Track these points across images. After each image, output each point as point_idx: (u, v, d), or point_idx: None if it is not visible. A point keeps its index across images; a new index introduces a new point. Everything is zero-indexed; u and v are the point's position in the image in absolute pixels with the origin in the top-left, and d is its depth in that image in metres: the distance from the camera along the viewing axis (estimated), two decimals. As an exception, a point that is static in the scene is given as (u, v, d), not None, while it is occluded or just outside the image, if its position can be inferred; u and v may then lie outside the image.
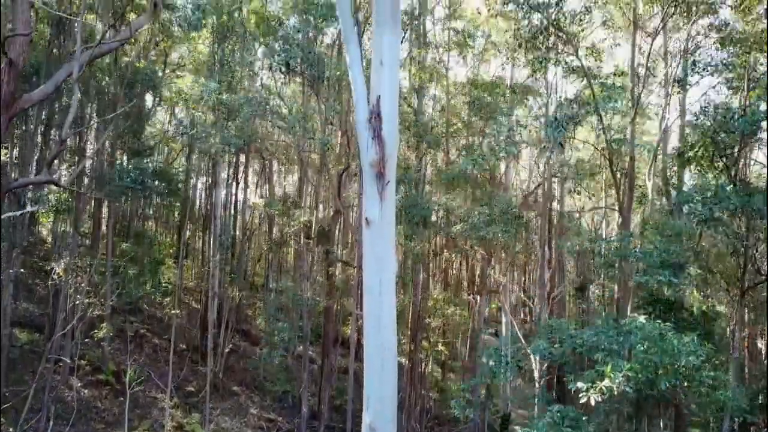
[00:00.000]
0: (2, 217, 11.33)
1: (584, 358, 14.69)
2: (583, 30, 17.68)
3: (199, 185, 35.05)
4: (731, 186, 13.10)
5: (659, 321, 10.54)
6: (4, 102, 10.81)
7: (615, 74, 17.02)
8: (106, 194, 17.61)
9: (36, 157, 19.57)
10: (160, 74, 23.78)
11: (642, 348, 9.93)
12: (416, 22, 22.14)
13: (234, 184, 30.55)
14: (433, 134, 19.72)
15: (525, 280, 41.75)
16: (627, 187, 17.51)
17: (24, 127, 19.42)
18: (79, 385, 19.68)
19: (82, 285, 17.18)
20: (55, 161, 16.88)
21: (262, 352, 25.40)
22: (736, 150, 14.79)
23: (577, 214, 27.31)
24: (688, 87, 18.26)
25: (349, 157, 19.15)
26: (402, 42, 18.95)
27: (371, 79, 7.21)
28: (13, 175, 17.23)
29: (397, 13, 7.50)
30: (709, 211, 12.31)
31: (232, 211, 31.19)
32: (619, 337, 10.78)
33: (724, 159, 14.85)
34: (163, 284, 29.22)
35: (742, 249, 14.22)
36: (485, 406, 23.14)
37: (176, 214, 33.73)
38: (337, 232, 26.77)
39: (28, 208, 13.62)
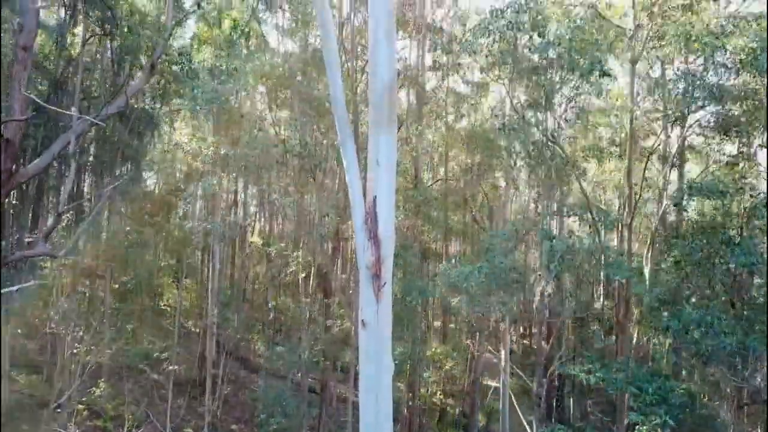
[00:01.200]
0: (1, 292, 11.35)
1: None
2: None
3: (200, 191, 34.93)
4: (730, 309, 12.93)
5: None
6: (3, 179, 10.89)
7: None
8: (104, 261, 17.72)
9: (31, 209, 19.54)
10: (159, 105, 23.68)
11: None
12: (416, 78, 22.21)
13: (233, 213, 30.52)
14: (431, 203, 19.78)
15: (523, 295, 41.67)
16: (624, 308, 17.41)
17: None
18: (77, 433, 19.57)
19: (80, 334, 17.17)
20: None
21: (260, 384, 25.22)
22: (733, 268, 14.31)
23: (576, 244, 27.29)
24: (685, 208, 17.95)
25: (347, 211, 19.17)
26: (399, 131, 18.97)
27: (367, 179, 7.26)
28: (9, 229, 17.25)
29: (393, 113, 7.54)
30: (707, 349, 12.30)
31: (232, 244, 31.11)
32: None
33: (723, 282, 14.65)
34: (163, 306, 29.07)
35: (741, 376, 14.03)
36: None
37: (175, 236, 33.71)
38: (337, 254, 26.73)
39: (26, 283, 13.68)
